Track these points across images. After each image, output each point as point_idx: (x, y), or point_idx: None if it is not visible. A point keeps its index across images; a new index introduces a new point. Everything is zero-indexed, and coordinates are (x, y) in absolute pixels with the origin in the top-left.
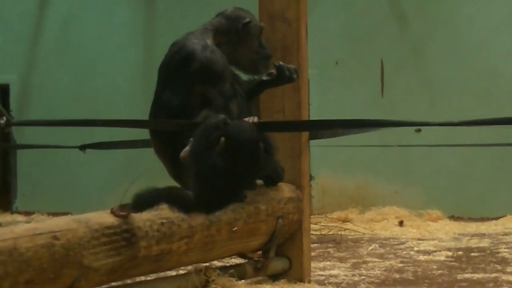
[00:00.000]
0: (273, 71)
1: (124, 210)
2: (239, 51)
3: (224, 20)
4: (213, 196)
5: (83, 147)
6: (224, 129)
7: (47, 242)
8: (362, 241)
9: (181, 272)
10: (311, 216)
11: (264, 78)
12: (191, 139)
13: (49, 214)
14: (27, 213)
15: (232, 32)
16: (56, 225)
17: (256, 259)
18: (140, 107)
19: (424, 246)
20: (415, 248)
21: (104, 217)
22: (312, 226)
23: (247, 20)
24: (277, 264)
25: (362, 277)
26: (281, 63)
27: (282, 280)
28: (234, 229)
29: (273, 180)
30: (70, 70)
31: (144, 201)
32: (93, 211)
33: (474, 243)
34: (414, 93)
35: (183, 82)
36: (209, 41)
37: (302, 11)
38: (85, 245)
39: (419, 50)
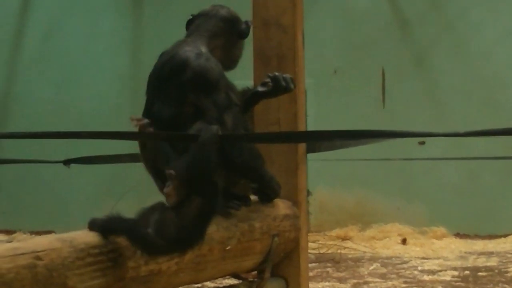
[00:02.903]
0: (268, 80)
1: (94, 227)
2: (234, 52)
3: (222, 23)
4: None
5: (67, 162)
6: None
7: (29, 263)
8: (362, 260)
9: None
10: (309, 234)
11: (260, 89)
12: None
13: (31, 232)
14: (8, 232)
15: (233, 34)
16: (39, 245)
17: (251, 279)
18: (128, 118)
19: (428, 265)
20: (419, 268)
21: (90, 236)
22: (309, 244)
23: (249, 20)
24: (273, 285)
25: None
26: (276, 73)
27: None
28: (227, 248)
29: (268, 196)
30: (53, 80)
31: (110, 228)
32: (78, 230)
33: (481, 262)
34: (417, 103)
35: (175, 92)
36: (203, 48)
37: (299, 17)
38: (70, 265)
39: (423, 58)
